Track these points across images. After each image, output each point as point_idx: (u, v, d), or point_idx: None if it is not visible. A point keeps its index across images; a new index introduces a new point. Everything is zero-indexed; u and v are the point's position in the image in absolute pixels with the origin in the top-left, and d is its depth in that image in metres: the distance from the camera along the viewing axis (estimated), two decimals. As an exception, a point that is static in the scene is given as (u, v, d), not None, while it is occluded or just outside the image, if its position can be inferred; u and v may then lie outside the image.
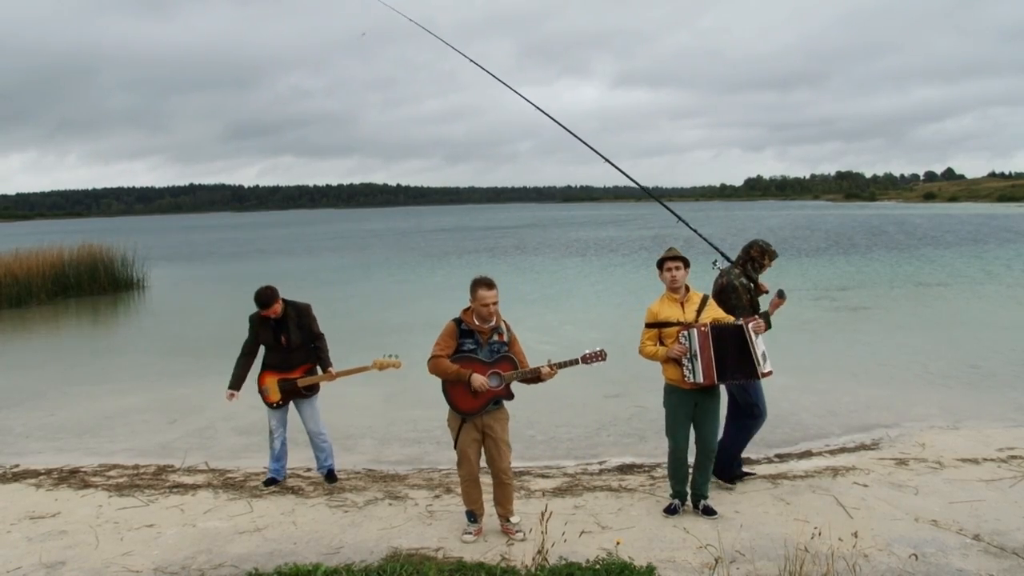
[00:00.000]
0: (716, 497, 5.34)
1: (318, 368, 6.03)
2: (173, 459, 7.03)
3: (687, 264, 5.04)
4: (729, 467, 5.69)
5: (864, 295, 17.29)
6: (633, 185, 6.91)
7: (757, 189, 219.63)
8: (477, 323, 4.74)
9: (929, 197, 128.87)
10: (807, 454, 6.64)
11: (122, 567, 4.54)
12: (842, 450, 6.76)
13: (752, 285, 5.61)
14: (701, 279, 6.02)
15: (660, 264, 5.09)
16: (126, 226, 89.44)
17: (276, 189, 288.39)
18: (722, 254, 6.00)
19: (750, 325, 4.88)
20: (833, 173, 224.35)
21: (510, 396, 4.81)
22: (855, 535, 4.36)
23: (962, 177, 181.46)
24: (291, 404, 6.04)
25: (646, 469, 6.34)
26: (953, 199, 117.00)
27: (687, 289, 5.07)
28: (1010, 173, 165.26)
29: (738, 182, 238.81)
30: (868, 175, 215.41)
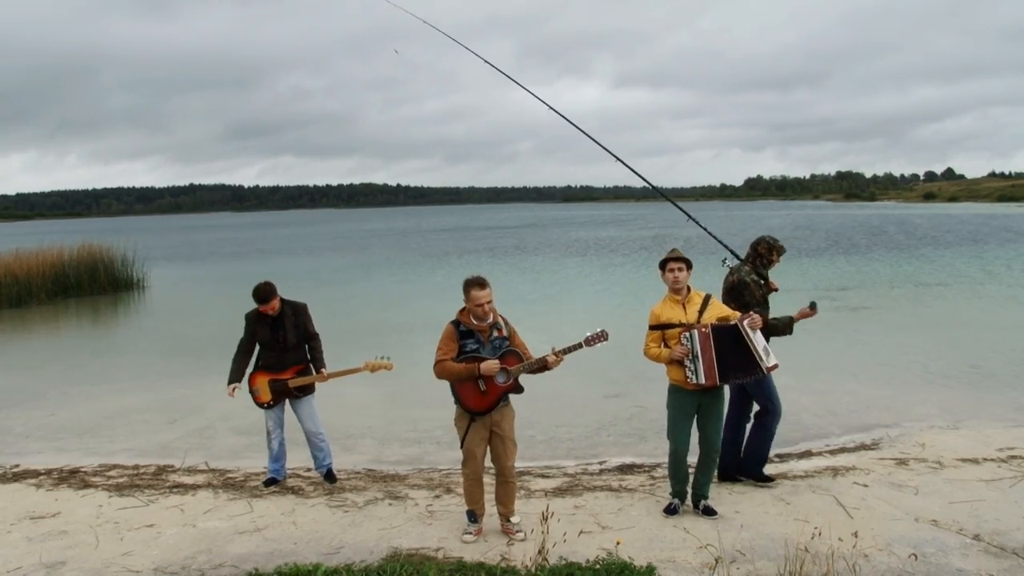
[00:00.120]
0: (716, 497, 5.34)
1: (311, 368, 6.02)
2: (173, 459, 7.03)
3: (689, 265, 5.04)
4: (760, 472, 5.70)
5: (864, 295, 17.29)
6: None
7: (757, 189, 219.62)
8: (475, 323, 4.74)
9: (929, 197, 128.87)
10: (807, 454, 6.64)
11: (122, 567, 4.54)
12: (842, 450, 6.76)
13: (763, 282, 5.62)
14: (711, 278, 6.02)
15: (662, 265, 5.09)
16: (126, 226, 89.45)
17: (276, 189, 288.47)
18: (732, 252, 6.02)
19: (745, 322, 4.88)
20: (833, 173, 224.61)
21: (520, 389, 4.80)
22: (855, 535, 4.36)
23: (962, 177, 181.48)
24: (288, 405, 6.03)
25: (646, 469, 6.34)
26: (953, 199, 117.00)
27: (689, 290, 5.07)
28: (1010, 173, 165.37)
29: (738, 182, 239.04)
30: (868, 175, 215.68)
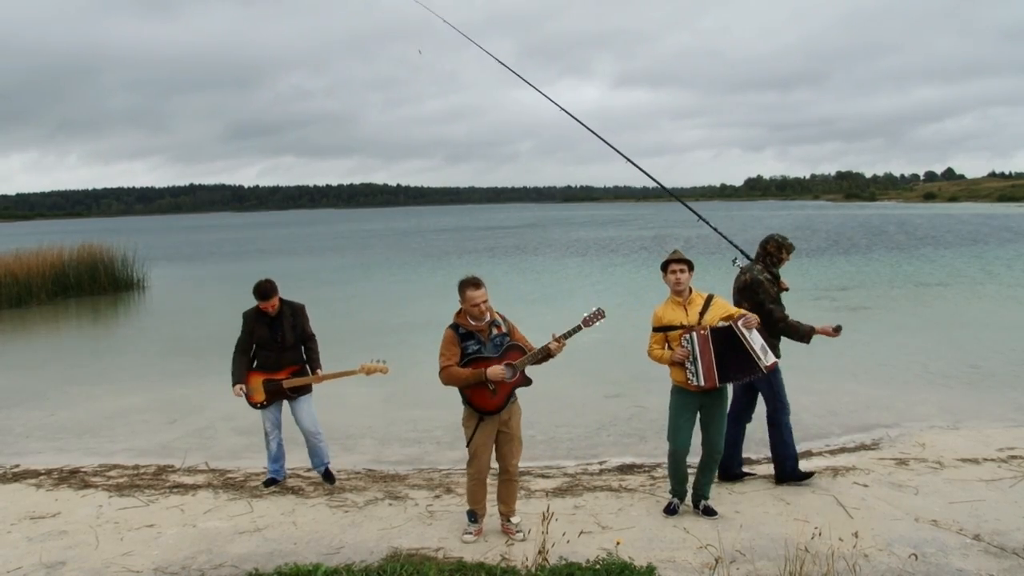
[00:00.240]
0: (716, 497, 5.34)
1: (307, 369, 6.01)
2: (173, 459, 7.03)
3: (691, 267, 5.05)
4: (794, 469, 5.69)
5: (864, 295, 17.28)
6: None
7: (757, 189, 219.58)
8: (473, 324, 4.73)
9: (929, 197, 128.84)
10: (807, 454, 6.63)
11: (122, 567, 4.54)
12: (842, 450, 6.76)
13: (775, 280, 5.63)
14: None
15: (664, 267, 5.09)
16: (126, 226, 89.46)
17: (276, 189, 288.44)
18: (741, 251, 6.02)
19: (740, 322, 4.88)
20: (833, 173, 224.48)
21: (528, 382, 4.79)
22: (855, 535, 4.35)
23: (962, 177, 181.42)
24: (286, 405, 6.02)
25: (646, 469, 6.34)
26: (953, 199, 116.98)
27: (691, 291, 5.07)
28: (1010, 173, 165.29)
29: (738, 182, 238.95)
30: (868, 175, 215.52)
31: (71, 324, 17.27)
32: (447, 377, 4.68)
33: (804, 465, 6.23)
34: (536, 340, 4.87)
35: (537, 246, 38.43)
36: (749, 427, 5.94)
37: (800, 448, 6.84)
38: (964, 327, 13.01)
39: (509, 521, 4.90)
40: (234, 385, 5.89)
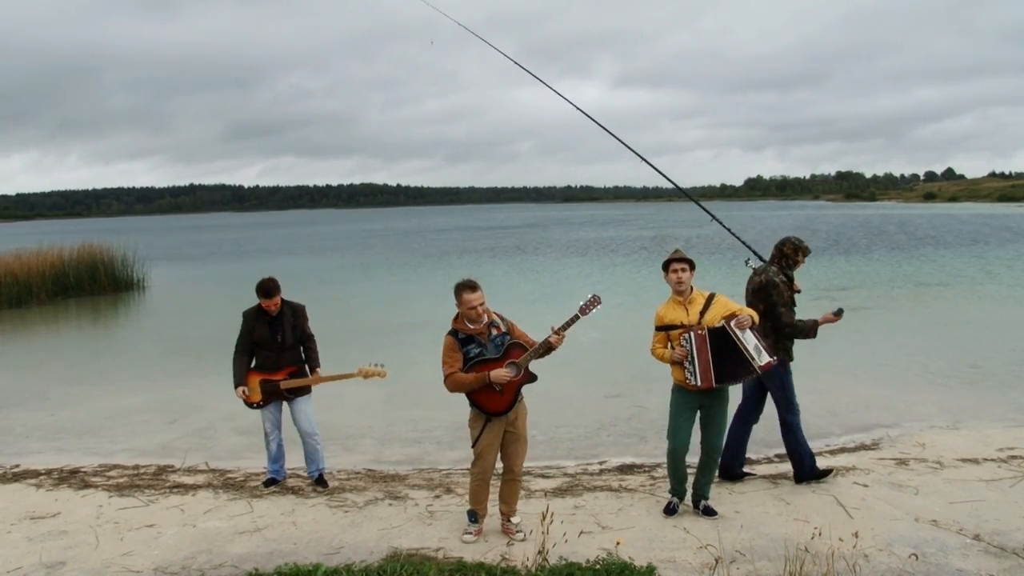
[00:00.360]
0: (716, 497, 5.34)
1: (306, 370, 6.01)
2: (173, 459, 7.03)
3: (692, 266, 5.05)
4: (812, 467, 5.69)
5: (864, 295, 17.28)
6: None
7: (757, 189, 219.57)
8: (471, 327, 4.73)
9: (929, 197, 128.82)
10: (807, 454, 6.63)
11: (122, 567, 4.54)
12: (842, 450, 6.76)
13: (789, 282, 5.63)
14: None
15: (665, 266, 5.09)
16: (126, 226, 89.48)
17: (276, 189, 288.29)
18: (755, 252, 6.01)
19: (732, 322, 4.87)
20: (833, 173, 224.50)
21: (534, 378, 4.78)
22: (855, 535, 4.35)
23: (962, 177, 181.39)
24: (285, 405, 6.01)
25: (646, 469, 6.34)
26: (953, 199, 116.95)
27: (692, 290, 5.07)
28: (1010, 173, 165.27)
29: (738, 182, 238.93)
30: (868, 175, 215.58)
31: (71, 324, 17.27)
32: (452, 384, 4.67)
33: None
34: (537, 339, 4.86)
35: (537, 246, 38.42)
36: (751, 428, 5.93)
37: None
38: (964, 327, 13.01)
39: (509, 521, 4.91)
40: (236, 387, 5.88)
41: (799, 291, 5.73)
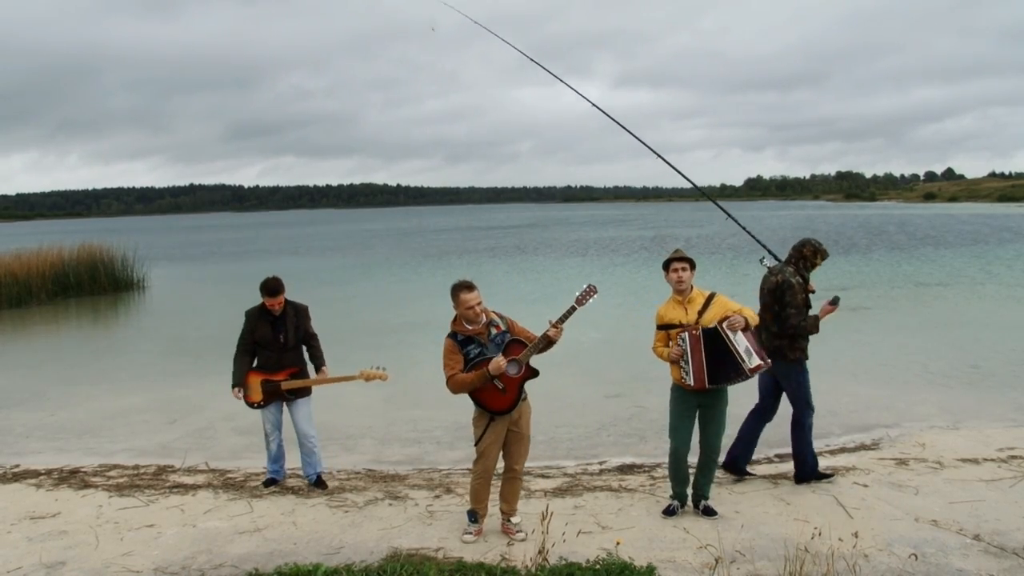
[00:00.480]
0: (716, 497, 5.34)
1: (307, 371, 6.00)
2: (173, 459, 7.03)
3: (693, 265, 5.05)
4: (814, 470, 5.69)
5: (864, 295, 17.28)
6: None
7: (757, 189, 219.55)
8: (469, 328, 4.73)
9: (929, 197, 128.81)
10: (807, 454, 6.63)
11: (122, 567, 4.54)
12: (842, 450, 6.76)
13: (805, 284, 5.63)
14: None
15: (666, 266, 5.09)
16: (126, 226, 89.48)
17: (276, 189, 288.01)
18: (769, 251, 6.01)
19: (723, 324, 4.87)
20: (833, 173, 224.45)
21: (536, 373, 4.78)
22: (855, 535, 4.35)
23: (962, 177, 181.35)
24: (285, 406, 6.01)
25: (646, 469, 6.34)
26: (953, 199, 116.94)
27: (692, 289, 5.07)
28: (1010, 173, 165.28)
29: (738, 182, 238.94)
30: (868, 175, 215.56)
31: (71, 324, 17.28)
32: (454, 385, 4.67)
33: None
34: (536, 334, 4.85)
35: (537, 246, 38.43)
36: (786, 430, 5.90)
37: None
38: (964, 327, 13.01)
39: (509, 521, 4.91)
40: (233, 387, 5.89)
41: (813, 291, 5.71)
